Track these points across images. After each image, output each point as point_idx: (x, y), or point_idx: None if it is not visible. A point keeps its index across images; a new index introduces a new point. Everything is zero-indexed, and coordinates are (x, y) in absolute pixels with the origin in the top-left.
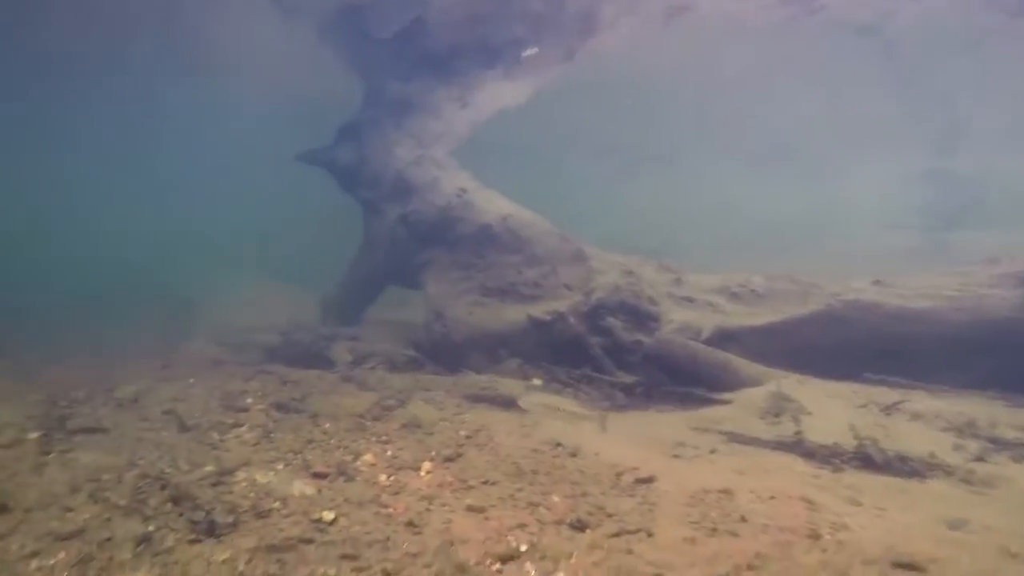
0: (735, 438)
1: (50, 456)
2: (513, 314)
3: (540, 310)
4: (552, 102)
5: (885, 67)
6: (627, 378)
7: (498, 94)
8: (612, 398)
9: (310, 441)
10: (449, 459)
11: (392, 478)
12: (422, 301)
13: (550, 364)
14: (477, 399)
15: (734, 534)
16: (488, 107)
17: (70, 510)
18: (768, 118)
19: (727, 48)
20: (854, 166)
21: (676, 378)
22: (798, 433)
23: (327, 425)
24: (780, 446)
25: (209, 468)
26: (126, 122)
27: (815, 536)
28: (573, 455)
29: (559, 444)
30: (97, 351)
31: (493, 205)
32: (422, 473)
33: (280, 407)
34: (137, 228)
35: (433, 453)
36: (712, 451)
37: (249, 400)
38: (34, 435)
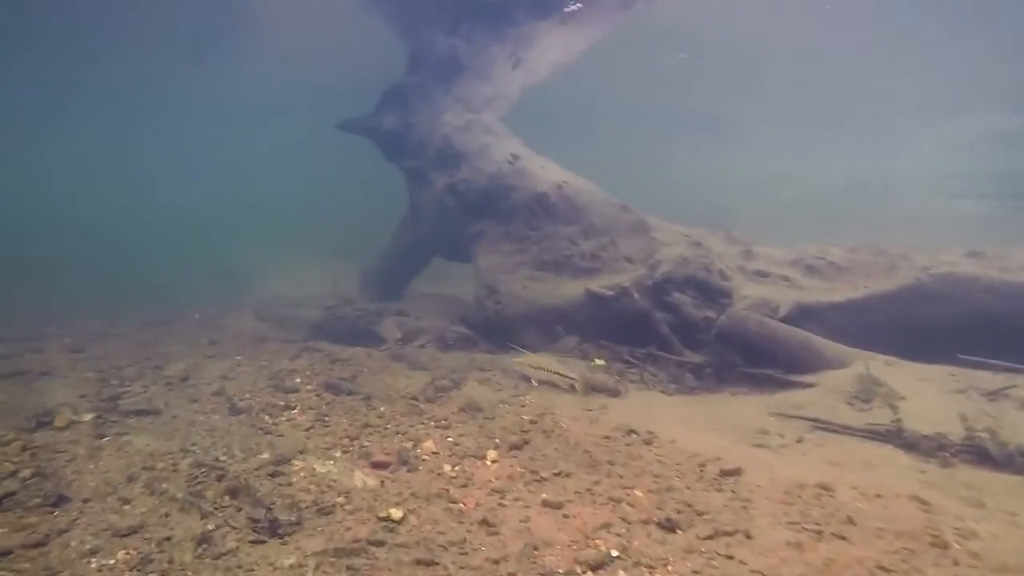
0: (822, 425)
1: (104, 440)
2: (570, 289)
3: (599, 284)
4: (593, 60)
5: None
6: (696, 358)
7: (552, 48)
8: (680, 379)
9: (366, 426)
10: (515, 447)
11: (457, 468)
12: (469, 274)
13: (611, 342)
14: (536, 379)
15: (843, 538)
16: (542, 64)
17: (127, 502)
18: (823, 80)
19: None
20: (918, 129)
21: (751, 358)
22: (896, 421)
23: (382, 408)
24: (875, 435)
25: (265, 456)
26: (169, 108)
27: (941, 545)
28: (648, 443)
29: (632, 431)
30: (149, 324)
31: (547, 172)
32: (488, 462)
33: (331, 388)
34: (191, 208)
35: (497, 440)
36: (799, 440)
37: (298, 380)
38: (88, 417)
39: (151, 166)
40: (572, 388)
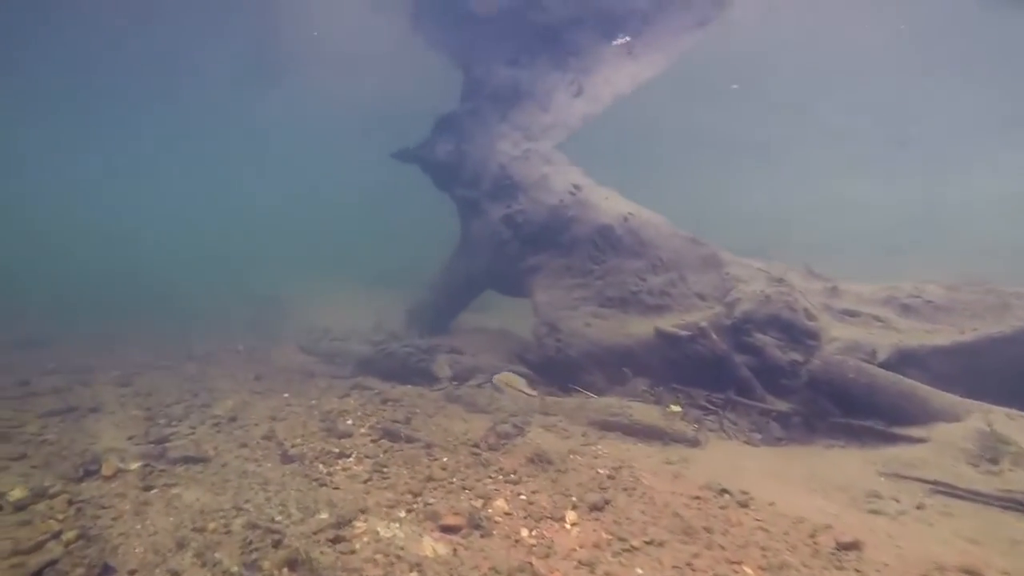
0: (945, 489)
1: (152, 492)
2: (638, 327)
3: (670, 323)
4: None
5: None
6: (781, 405)
7: (615, 76)
8: (764, 428)
9: (429, 479)
10: (596, 507)
11: (535, 532)
12: (515, 307)
13: (684, 386)
14: (607, 427)
15: None
16: (605, 93)
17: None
18: (883, 104)
19: (842, 24)
20: (983, 154)
21: (847, 408)
22: None
23: (444, 458)
24: (1015, 505)
25: (323, 516)
26: (217, 129)
27: None
28: (744, 505)
29: (724, 490)
30: (194, 358)
31: (611, 203)
32: (568, 525)
33: (387, 433)
34: (226, 229)
35: (574, 498)
36: (919, 506)
37: (350, 422)
38: (135, 465)
39: (199, 190)
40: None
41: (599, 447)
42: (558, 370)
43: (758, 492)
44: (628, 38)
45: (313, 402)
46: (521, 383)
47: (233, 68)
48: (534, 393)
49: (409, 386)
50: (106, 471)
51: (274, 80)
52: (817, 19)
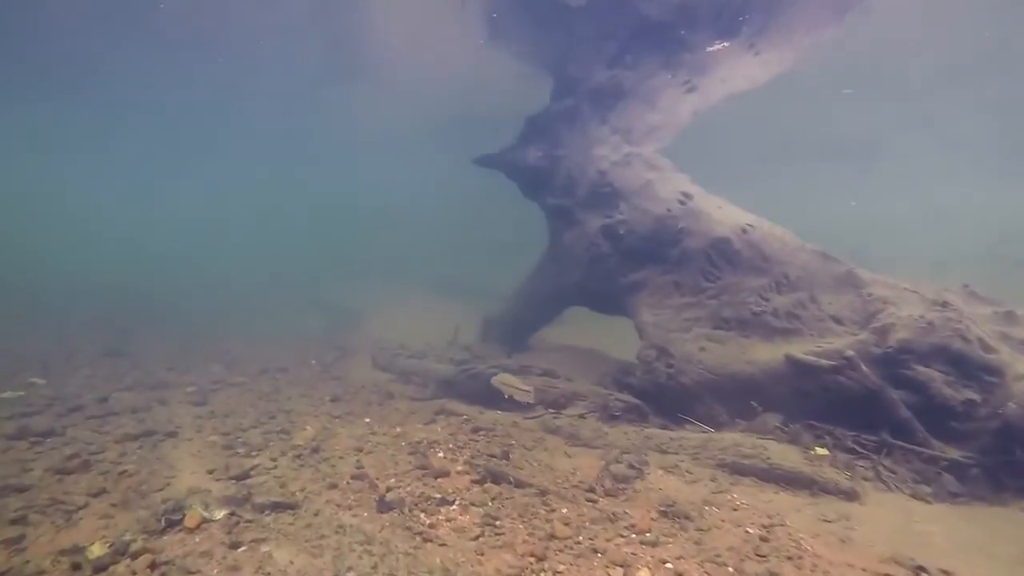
0: None
1: (241, 551)
2: (763, 353)
3: (802, 349)
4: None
5: None
6: (952, 452)
7: (732, 75)
8: (934, 480)
9: (551, 537)
10: None
11: None
12: (593, 321)
13: (824, 424)
14: (739, 470)
15: None
16: (716, 92)
17: None
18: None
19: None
20: None
21: None
22: None
23: (564, 509)
24: None
25: None
26: (284, 131)
27: None
28: None
29: (920, 568)
30: (267, 371)
31: (726, 214)
32: None
33: (490, 474)
34: (295, 236)
35: (731, 569)
36: None
37: (441, 454)
38: (220, 515)
39: (265, 197)
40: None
41: (735, 496)
42: (669, 399)
43: (964, 572)
44: (726, 44)
45: (398, 430)
46: (516, 381)
47: (307, 68)
48: (529, 389)
49: (499, 412)
50: (189, 522)
51: (349, 80)
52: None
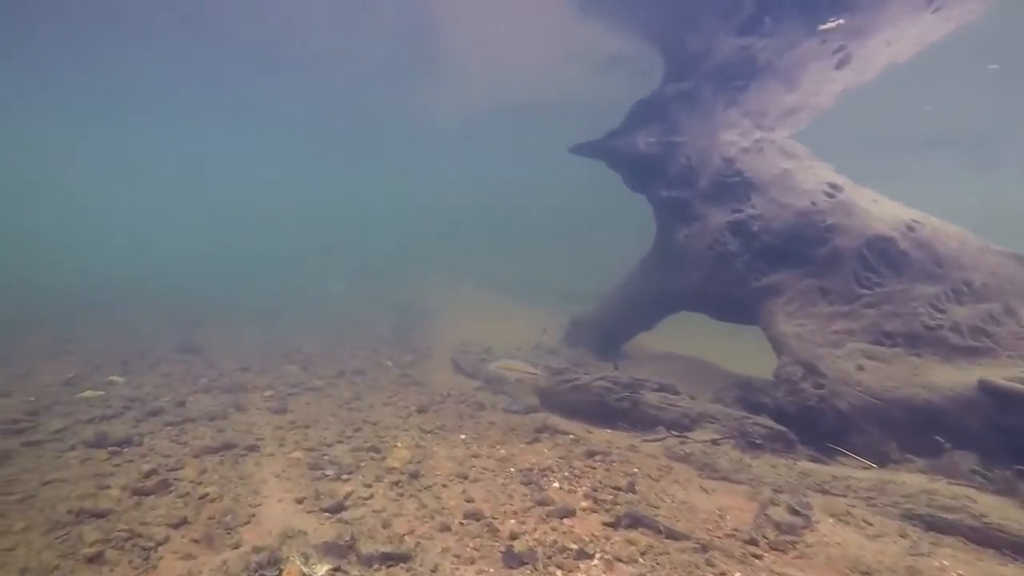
0: None
1: None
2: (945, 376)
3: (1003, 375)
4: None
5: None
6: None
7: (901, 38)
8: None
9: None
10: None
11: None
12: (685, 323)
13: None
14: (938, 526)
15: None
16: (876, 62)
17: None
18: None
19: None
20: None
21: None
22: None
23: (736, 573)
24: None
25: None
26: (354, 124)
27: None
28: None
29: None
30: (344, 374)
31: (884, 209)
32: None
33: (627, 517)
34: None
35: None
36: None
37: (557, 484)
38: (323, 570)
39: (336, 189)
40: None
41: (945, 563)
42: (819, 425)
43: None
44: (841, 20)
45: (501, 451)
46: (521, 364)
47: (384, 61)
48: (536, 372)
49: (608, 431)
50: None
51: (421, 71)
52: None
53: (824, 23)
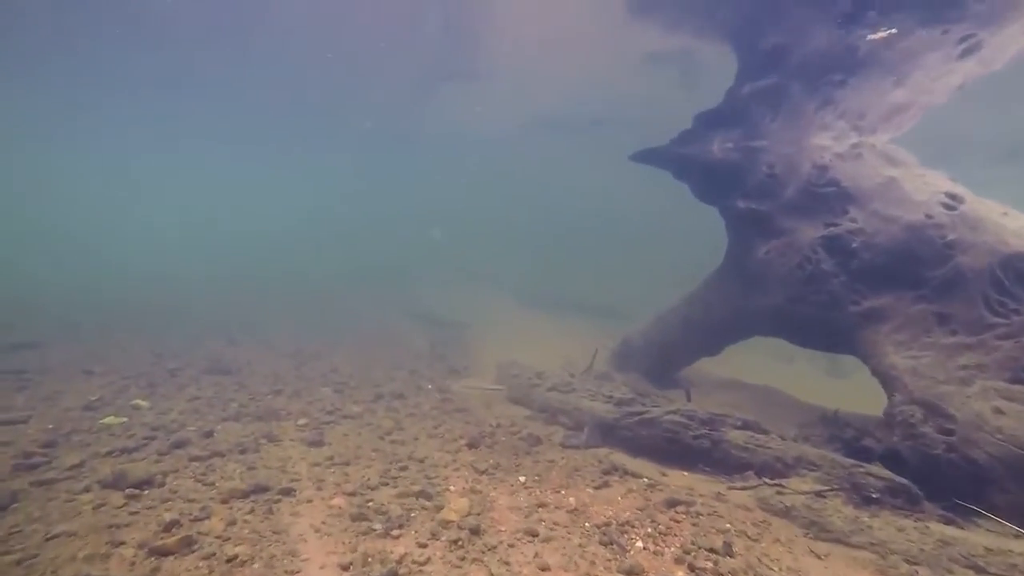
0: None
1: None
2: None
3: None
4: None
5: None
6: None
7: None
8: None
9: None
10: None
11: None
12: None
13: None
14: None
15: None
16: (1004, 52)
17: None
18: None
19: None
20: None
21: None
22: None
23: None
24: None
25: None
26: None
27: None
28: None
29: None
30: (382, 398)
31: (1020, 224)
32: None
33: None
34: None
35: None
36: None
37: (641, 544)
38: None
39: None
40: None
41: None
42: (948, 479)
43: None
44: (893, 30)
45: (570, 499)
46: (480, 382)
47: (418, 66)
48: (500, 388)
49: (685, 473)
50: None
51: (463, 77)
52: None
53: (876, 32)
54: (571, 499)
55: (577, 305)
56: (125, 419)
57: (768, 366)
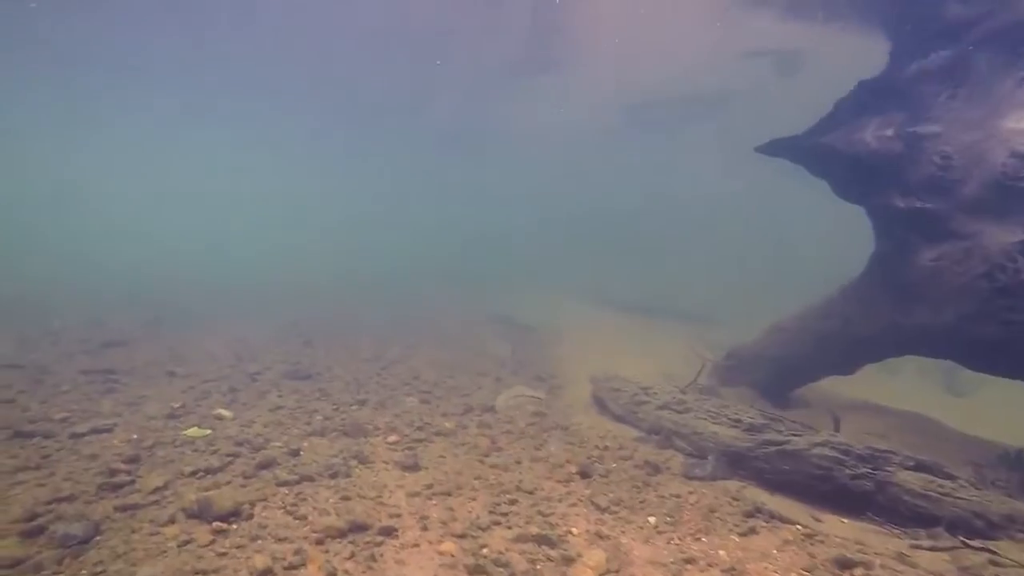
0: None
1: None
2: None
3: None
4: None
5: None
6: None
7: None
8: None
9: None
10: None
11: None
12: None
13: None
14: None
15: None
16: None
17: None
18: None
19: None
20: None
21: None
22: None
23: None
24: None
25: None
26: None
27: None
28: None
29: None
30: (471, 411)
31: None
32: None
33: None
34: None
35: None
36: None
37: None
38: None
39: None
40: None
41: None
42: None
43: None
44: None
45: (720, 553)
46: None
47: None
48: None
49: (843, 520)
50: None
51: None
52: None
53: None
54: (721, 552)
55: (662, 309)
56: (209, 431)
57: (870, 378)
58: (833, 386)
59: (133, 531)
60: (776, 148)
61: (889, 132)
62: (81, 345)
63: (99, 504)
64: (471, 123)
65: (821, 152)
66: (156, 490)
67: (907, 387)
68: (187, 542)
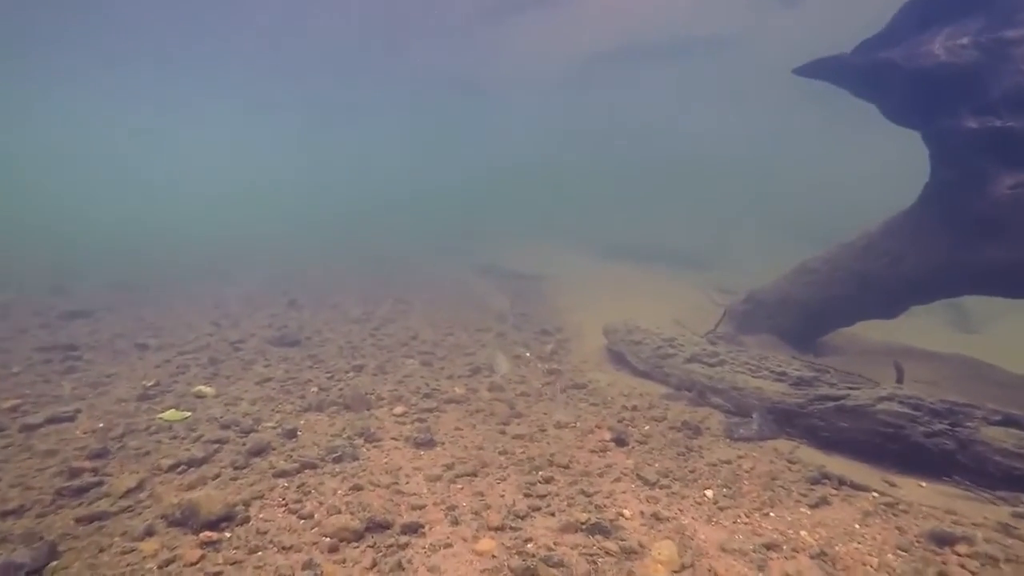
0: None
1: None
2: None
3: None
4: None
5: None
6: None
7: None
8: None
9: None
10: None
11: None
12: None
13: None
14: None
15: None
16: None
17: None
18: None
19: None
20: None
21: None
22: None
23: None
24: None
25: None
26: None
27: None
28: None
29: None
30: (496, 389)
31: None
32: None
33: None
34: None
35: None
36: None
37: None
38: None
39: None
40: None
41: None
42: None
43: None
44: None
45: (802, 534)
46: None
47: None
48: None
49: (921, 484)
50: None
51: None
52: None
53: None
54: (802, 533)
55: (667, 254)
56: (188, 414)
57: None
58: (855, 330)
59: (101, 550)
60: (819, 68)
61: (964, 40)
62: (37, 318)
63: (56, 516)
64: (460, 69)
65: (876, 70)
66: (129, 492)
67: (914, 326)
68: (170, 561)
